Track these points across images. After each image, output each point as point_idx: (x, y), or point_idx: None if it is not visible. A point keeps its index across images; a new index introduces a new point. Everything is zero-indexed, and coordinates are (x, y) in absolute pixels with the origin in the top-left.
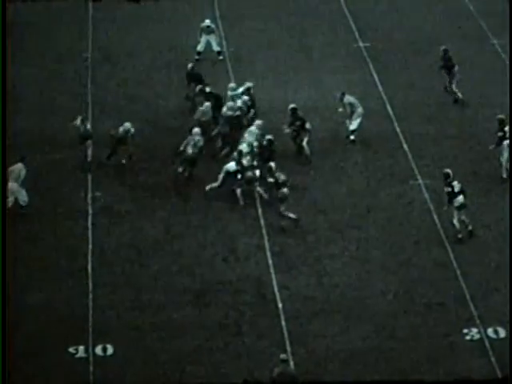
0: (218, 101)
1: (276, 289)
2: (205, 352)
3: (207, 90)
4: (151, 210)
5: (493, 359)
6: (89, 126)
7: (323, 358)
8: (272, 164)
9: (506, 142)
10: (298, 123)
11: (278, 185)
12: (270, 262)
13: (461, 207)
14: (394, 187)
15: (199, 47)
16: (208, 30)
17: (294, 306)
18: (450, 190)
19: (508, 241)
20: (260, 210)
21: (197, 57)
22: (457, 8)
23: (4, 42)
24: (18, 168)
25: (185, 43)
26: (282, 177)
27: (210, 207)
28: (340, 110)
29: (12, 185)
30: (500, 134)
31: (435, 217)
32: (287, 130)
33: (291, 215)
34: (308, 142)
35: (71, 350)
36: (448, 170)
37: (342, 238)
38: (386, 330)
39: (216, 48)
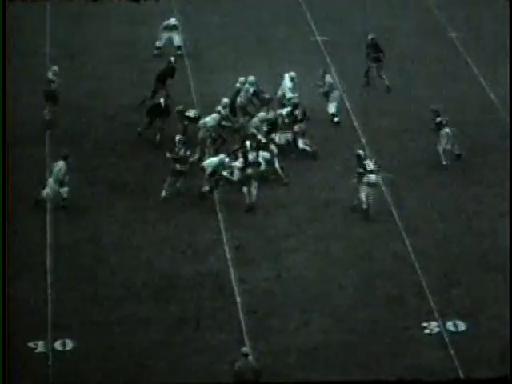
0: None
1: (235, 283)
2: (164, 346)
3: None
4: (110, 205)
5: (452, 352)
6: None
7: (283, 353)
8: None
9: (446, 130)
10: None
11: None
12: (229, 256)
13: (371, 184)
14: (352, 181)
15: (159, 43)
16: (172, 28)
17: (253, 300)
18: (362, 170)
19: (466, 233)
20: (218, 205)
21: (155, 52)
22: (415, 1)
23: (4, 41)
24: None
25: (143, 39)
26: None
27: (169, 202)
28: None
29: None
30: (438, 120)
31: (394, 210)
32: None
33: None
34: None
35: (31, 345)
36: (360, 152)
37: (301, 232)
38: (345, 323)
39: (177, 43)
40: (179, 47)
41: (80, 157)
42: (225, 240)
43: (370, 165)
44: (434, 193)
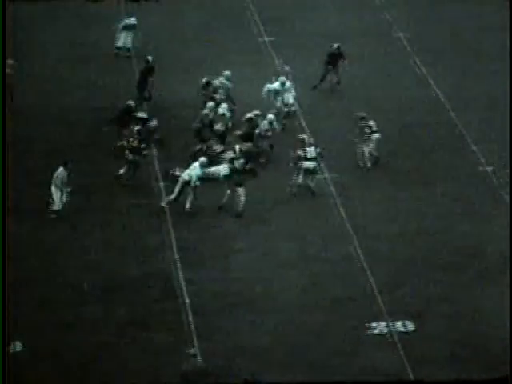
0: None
1: (183, 284)
2: (113, 348)
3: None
4: None
5: (401, 352)
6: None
7: (231, 353)
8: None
9: (376, 135)
10: None
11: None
12: (177, 257)
13: (307, 171)
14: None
15: (119, 43)
16: (131, 27)
17: (201, 301)
18: (302, 154)
19: (414, 233)
20: (167, 208)
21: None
22: (361, 1)
23: (4, 41)
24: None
25: (93, 39)
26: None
27: (117, 204)
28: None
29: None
30: (367, 129)
31: (342, 211)
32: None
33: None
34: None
35: None
36: (304, 136)
37: (249, 232)
38: (293, 324)
39: (129, 45)
40: (128, 49)
41: (29, 159)
42: (172, 241)
43: (311, 152)
44: (382, 193)
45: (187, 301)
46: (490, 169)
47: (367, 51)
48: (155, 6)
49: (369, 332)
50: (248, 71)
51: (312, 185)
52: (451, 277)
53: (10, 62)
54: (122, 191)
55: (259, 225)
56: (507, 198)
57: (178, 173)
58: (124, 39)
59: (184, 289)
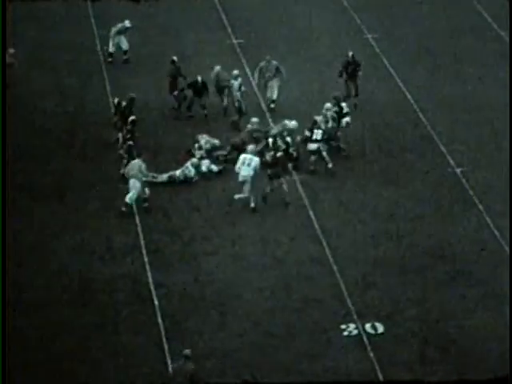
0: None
1: (152, 287)
2: (83, 351)
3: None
4: (28, 209)
5: (371, 354)
6: None
7: (200, 355)
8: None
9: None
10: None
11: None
12: (146, 260)
13: (311, 152)
14: (269, 183)
15: (112, 48)
16: (124, 31)
17: (170, 303)
18: (308, 135)
19: (383, 235)
20: (135, 208)
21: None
22: (331, 3)
23: (4, 41)
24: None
25: (58, 42)
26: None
27: (86, 207)
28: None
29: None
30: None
31: (311, 213)
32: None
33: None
34: None
35: None
36: (317, 117)
37: (218, 235)
38: (263, 326)
39: (126, 47)
40: (125, 52)
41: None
42: (142, 244)
43: (317, 133)
44: (351, 195)
45: (156, 303)
46: (459, 170)
47: (337, 53)
48: (125, 8)
49: (338, 334)
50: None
51: (312, 167)
52: (421, 278)
53: (10, 51)
54: (92, 194)
55: (228, 227)
56: (476, 199)
57: (144, 178)
58: (119, 43)
59: (153, 291)
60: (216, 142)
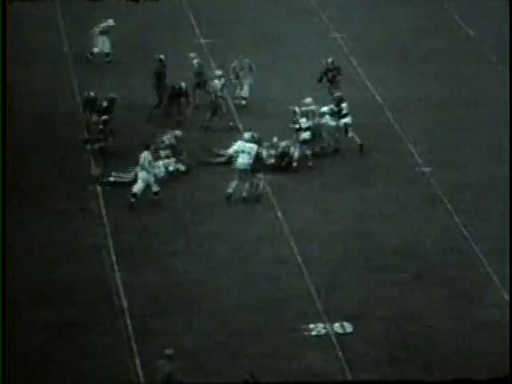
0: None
1: (120, 287)
2: (50, 350)
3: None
4: None
5: (339, 354)
6: None
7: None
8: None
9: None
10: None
11: None
12: (114, 260)
13: (303, 142)
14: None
15: (96, 49)
16: (107, 31)
17: (138, 303)
18: (297, 126)
19: (351, 234)
20: (103, 209)
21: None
22: (299, 2)
23: (4, 41)
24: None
25: (26, 42)
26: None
27: (53, 206)
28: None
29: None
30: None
31: (279, 212)
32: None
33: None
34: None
35: None
36: (294, 108)
37: (186, 234)
38: (230, 326)
39: (108, 49)
40: (107, 54)
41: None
42: (110, 244)
43: (304, 123)
44: (319, 194)
45: (124, 303)
46: (427, 170)
47: (304, 52)
48: (92, 8)
49: (306, 334)
50: (184, 72)
51: (309, 153)
52: (389, 278)
53: None
54: (60, 194)
55: (195, 227)
56: (444, 198)
57: (112, 178)
58: (102, 44)
59: (121, 291)
60: (178, 133)
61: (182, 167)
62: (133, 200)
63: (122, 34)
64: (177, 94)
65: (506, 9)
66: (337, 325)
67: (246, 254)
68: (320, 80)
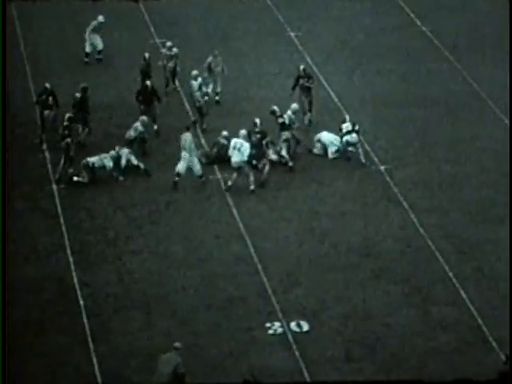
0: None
1: (77, 286)
2: (7, 351)
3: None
4: None
5: (297, 353)
6: None
7: (126, 355)
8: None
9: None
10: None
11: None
12: (71, 259)
13: (285, 140)
14: (193, 182)
15: (88, 48)
16: (99, 28)
17: (95, 303)
18: (281, 121)
19: (307, 233)
20: (60, 209)
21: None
22: (254, 1)
23: (4, 42)
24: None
25: None
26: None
27: (10, 206)
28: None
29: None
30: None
31: (234, 211)
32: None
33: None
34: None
35: None
36: (274, 107)
37: (142, 234)
38: (187, 325)
39: (100, 46)
40: (100, 51)
41: None
42: (66, 243)
43: (286, 119)
44: (275, 192)
45: (81, 303)
46: (382, 168)
47: (259, 51)
48: (49, 8)
49: (263, 332)
50: (138, 72)
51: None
52: (345, 276)
53: None
54: (16, 193)
55: (152, 226)
56: (400, 196)
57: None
58: (94, 42)
59: (78, 291)
60: (140, 128)
61: (134, 161)
62: (176, 179)
63: (76, 35)
64: (147, 98)
65: (463, 6)
66: (293, 323)
67: (202, 253)
68: (294, 87)
